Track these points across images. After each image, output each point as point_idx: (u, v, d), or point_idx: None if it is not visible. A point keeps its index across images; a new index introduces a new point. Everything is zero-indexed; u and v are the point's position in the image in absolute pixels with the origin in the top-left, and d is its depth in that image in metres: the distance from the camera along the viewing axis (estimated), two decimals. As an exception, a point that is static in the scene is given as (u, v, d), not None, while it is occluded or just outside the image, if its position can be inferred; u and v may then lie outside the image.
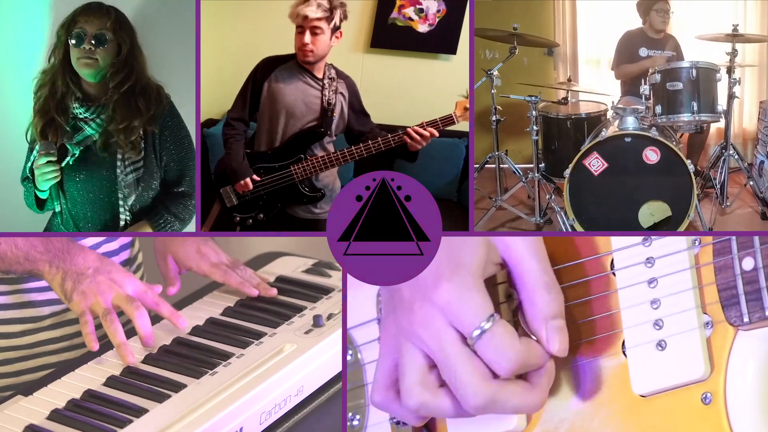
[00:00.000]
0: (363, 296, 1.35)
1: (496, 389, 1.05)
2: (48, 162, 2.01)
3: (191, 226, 2.24)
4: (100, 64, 2.01)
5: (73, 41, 2.00)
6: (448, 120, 2.39)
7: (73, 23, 2.01)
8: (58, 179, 2.04)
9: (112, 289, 1.63)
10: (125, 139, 2.01)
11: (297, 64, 2.44)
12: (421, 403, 1.09)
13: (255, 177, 2.42)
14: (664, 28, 3.36)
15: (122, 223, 2.07)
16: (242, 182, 2.42)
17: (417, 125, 2.38)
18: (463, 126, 3.02)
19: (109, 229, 2.10)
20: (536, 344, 1.08)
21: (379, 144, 2.38)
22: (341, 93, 2.48)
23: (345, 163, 2.44)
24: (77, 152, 2.05)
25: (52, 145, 2.02)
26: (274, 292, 1.83)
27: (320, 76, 2.45)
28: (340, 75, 2.51)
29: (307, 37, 2.36)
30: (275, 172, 2.43)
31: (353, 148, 2.40)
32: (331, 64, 2.49)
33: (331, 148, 2.49)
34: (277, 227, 2.50)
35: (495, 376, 1.06)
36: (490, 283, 1.11)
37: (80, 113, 2.04)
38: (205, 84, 2.37)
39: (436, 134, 2.39)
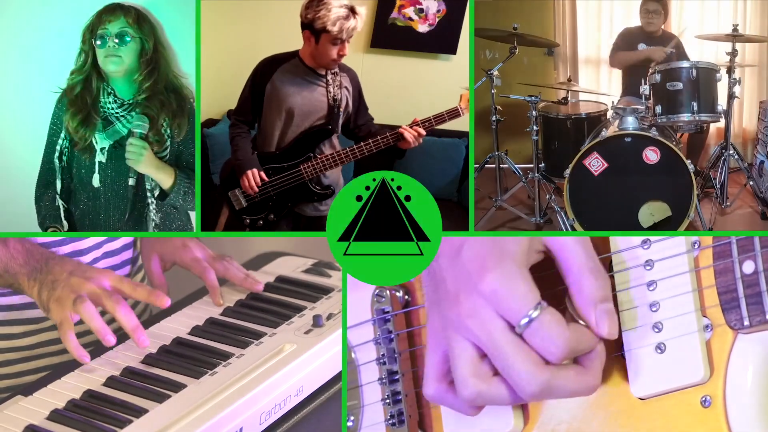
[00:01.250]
0: (358, 297, 1.35)
1: (551, 375, 1.04)
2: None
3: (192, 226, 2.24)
4: (124, 60, 2.05)
5: (98, 42, 2.05)
6: (454, 113, 2.38)
7: (97, 25, 2.05)
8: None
9: (85, 286, 1.57)
10: (153, 135, 2.04)
11: (299, 62, 2.42)
12: (477, 393, 1.08)
13: (262, 174, 2.41)
14: (653, 30, 3.36)
15: (151, 214, 2.09)
16: (248, 173, 2.39)
17: (419, 123, 2.37)
18: (463, 126, 3.02)
19: (135, 220, 2.10)
20: (585, 329, 1.07)
21: (387, 138, 2.37)
22: (345, 87, 2.46)
23: (355, 159, 2.42)
24: (107, 145, 2.07)
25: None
26: (260, 287, 1.82)
27: (323, 72, 2.43)
28: (342, 68, 2.48)
29: (347, 48, 2.36)
30: (284, 172, 2.42)
31: (363, 144, 2.39)
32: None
33: (337, 144, 2.48)
34: (284, 224, 2.50)
35: (547, 361, 1.06)
36: (536, 270, 1.10)
37: (111, 108, 2.08)
38: (206, 84, 2.37)
39: (424, 133, 2.38)
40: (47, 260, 1.65)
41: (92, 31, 2.06)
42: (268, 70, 2.43)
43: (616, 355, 1.12)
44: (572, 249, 1.08)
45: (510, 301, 1.05)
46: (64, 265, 1.63)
